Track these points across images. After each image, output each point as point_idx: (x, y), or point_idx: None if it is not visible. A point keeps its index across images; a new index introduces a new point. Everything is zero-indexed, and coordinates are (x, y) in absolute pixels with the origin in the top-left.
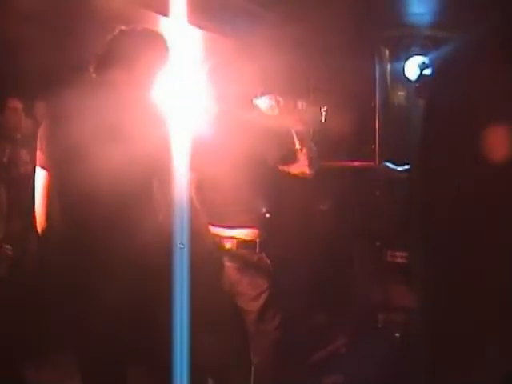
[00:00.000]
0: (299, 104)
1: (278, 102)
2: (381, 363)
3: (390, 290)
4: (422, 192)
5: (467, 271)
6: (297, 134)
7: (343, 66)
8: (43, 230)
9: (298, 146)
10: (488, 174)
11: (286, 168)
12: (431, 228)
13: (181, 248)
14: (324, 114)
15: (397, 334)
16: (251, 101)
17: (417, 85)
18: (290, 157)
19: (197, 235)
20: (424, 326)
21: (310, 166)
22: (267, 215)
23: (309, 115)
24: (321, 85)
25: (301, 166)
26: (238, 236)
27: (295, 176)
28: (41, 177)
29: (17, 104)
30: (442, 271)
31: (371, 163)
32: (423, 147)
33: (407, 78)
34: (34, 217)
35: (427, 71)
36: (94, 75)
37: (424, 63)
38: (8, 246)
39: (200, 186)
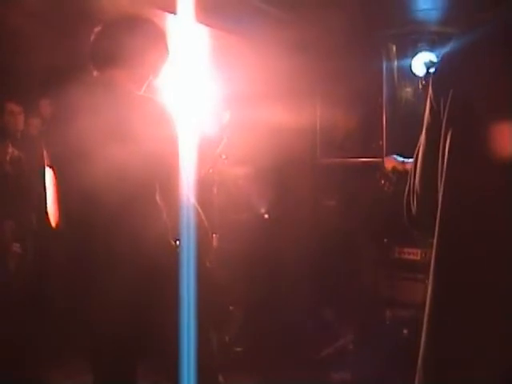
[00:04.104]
0: None
1: None
2: (388, 360)
3: (397, 286)
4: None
5: (482, 273)
6: None
7: (350, 63)
8: (52, 229)
9: None
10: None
11: None
12: (447, 228)
13: (176, 244)
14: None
15: (405, 331)
16: None
17: (425, 81)
18: None
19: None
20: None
21: None
22: (266, 216)
23: None
24: (328, 82)
25: None
26: None
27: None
28: (48, 175)
29: (14, 107)
30: (456, 271)
31: (378, 159)
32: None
33: (414, 74)
34: (39, 214)
35: (435, 67)
36: (94, 71)
37: (432, 59)
38: (16, 244)
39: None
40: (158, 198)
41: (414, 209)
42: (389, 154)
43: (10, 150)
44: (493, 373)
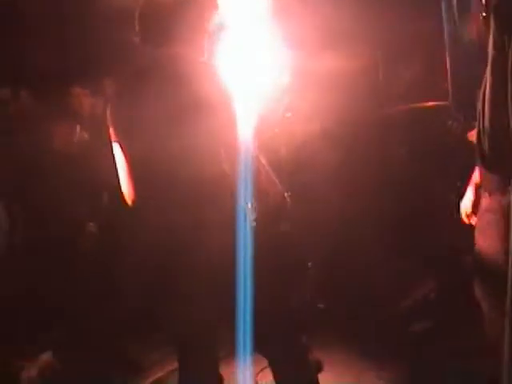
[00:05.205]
0: None
1: None
2: (471, 308)
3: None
4: None
5: None
6: None
7: (409, 6)
8: (127, 205)
9: None
10: None
11: None
12: None
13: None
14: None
15: None
16: None
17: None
18: None
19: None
20: None
21: None
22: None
23: None
24: (387, 28)
25: None
26: None
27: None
28: (117, 151)
29: (79, 90)
30: None
31: (445, 103)
32: None
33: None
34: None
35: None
36: (147, 46)
37: None
38: (91, 224)
39: None
40: (224, 166)
41: (486, 150)
42: (455, 95)
43: (78, 132)
44: None
